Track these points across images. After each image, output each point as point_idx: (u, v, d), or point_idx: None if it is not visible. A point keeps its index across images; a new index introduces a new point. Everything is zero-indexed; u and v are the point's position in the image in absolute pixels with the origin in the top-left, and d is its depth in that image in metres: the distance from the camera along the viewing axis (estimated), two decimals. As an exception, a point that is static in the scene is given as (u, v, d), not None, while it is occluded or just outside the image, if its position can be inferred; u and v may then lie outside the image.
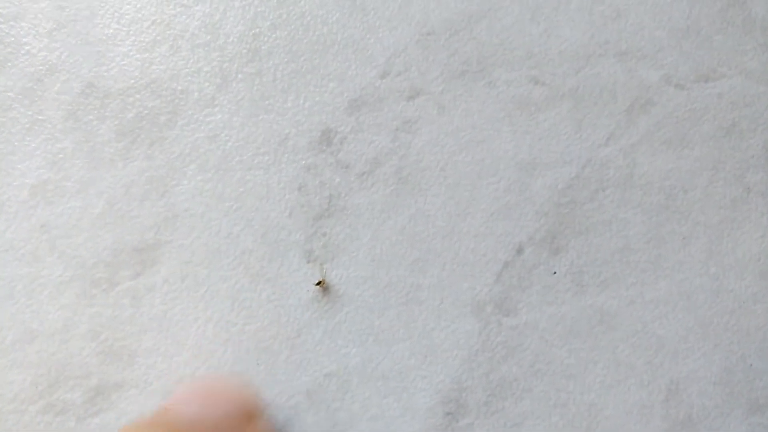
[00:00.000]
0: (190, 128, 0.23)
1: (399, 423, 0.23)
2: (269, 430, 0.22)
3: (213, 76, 0.23)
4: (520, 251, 0.23)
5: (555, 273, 0.23)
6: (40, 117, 0.23)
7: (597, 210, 0.24)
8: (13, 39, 0.23)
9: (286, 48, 0.24)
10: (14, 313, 0.22)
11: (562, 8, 0.24)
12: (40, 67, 0.23)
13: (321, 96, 0.24)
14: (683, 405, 0.23)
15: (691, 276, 0.24)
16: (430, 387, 0.23)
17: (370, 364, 0.23)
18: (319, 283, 0.23)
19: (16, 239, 0.23)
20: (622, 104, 0.24)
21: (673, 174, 0.24)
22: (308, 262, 0.23)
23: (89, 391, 0.22)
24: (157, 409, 0.20)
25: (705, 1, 0.25)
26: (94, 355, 0.22)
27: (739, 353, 0.23)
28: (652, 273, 0.23)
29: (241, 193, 0.23)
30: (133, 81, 0.23)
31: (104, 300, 0.23)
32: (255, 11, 0.24)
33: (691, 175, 0.24)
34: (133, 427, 0.20)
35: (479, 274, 0.23)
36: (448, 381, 0.23)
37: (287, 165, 0.23)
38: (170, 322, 0.23)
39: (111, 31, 0.23)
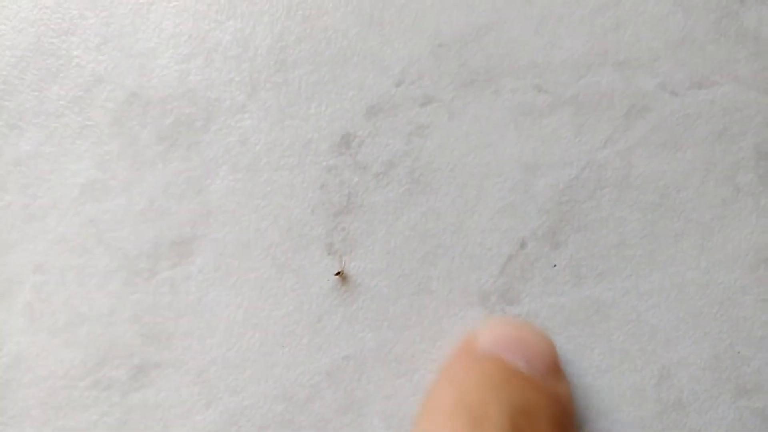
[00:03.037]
0: (223, 133, 0.25)
1: (410, 402, 0.24)
2: (568, 385, 0.20)
3: (243, 85, 0.25)
4: (523, 246, 0.25)
5: (555, 266, 0.25)
6: (88, 123, 0.25)
7: (595, 208, 0.25)
8: (64, 52, 0.25)
9: (310, 59, 0.25)
10: (66, 299, 0.24)
11: (565, 21, 0.26)
12: (89, 78, 0.25)
13: (341, 103, 0.25)
14: (674, 389, 0.24)
15: (683, 269, 0.25)
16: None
17: (385, 348, 0.24)
18: (338, 274, 0.24)
19: (68, 233, 0.25)
20: (620, 110, 0.25)
21: (667, 175, 0.25)
22: (329, 254, 0.25)
23: (132, 369, 0.24)
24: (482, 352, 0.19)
25: (699, 13, 0.26)
26: (137, 336, 0.24)
27: (728, 341, 0.25)
28: (646, 266, 0.25)
29: (269, 192, 0.25)
30: (171, 90, 0.25)
31: (146, 288, 0.24)
32: (282, 26, 0.25)
33: (684, 176, 0.25)
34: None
35: (485, 267, 0.25)
36: (455, 364, 0.24)
37: (310, 166, 0.25)
38: (204, 308, 0.24)
39: (152, 44, 0.25)
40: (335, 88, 0.25)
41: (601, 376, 0.24)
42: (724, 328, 0.25)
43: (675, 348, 0.25)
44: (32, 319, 0.24)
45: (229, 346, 0.24)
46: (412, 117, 0.25)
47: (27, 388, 0.24)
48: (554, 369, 0.20)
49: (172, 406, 0.24)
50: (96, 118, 0.25)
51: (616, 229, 0.25)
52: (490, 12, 0.25)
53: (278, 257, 0.25)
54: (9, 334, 0.24)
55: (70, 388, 0.24)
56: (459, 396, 0.18)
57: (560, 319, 0.25)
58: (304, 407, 0.24)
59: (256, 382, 0.24)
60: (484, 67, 0.25)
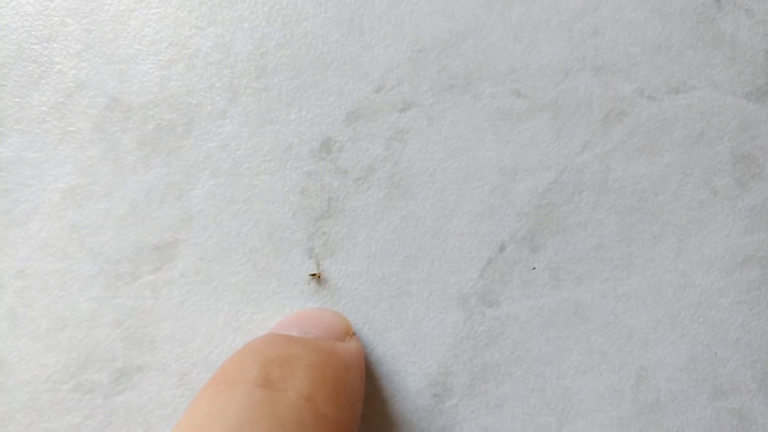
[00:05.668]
0: (204, 138, 0.25)
1: (391, 403, 0.24)
2: (359, 344, 0.23)
3: (224, 91, 0.25)
4: (502, 249, 0.25)
5: (534, 269, 0.25)
6: (70, 129, 0.25)
7: (573, 212, 0.25)
8: (46, 59, 0.25)
9: (290, 65, 0.25)
10: (48, 304, 0.25)
11: (543, 26, 0.26)
12: (70, 84, 0.25)
13: (321, 109, 0.25)
14: (651, 390, 0.25)
15: (661, 272, 0.25)
16: (419, 371, 0.25)
17: (365, 350, 0.24)
18: (314, 275, 0.25)
19: (50, 238, 0.25)
20: (598, 115, 0.26)
21: (644, 178, 0.25)
22: (310, 258, 0.25)
23: (114, 373, 0.24)
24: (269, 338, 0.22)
25: (677, 19, 0.26)
26: (119, 340, 0.24)
27: (705, 343, 0.25)
28: (624, 269, 0.25)
29: (250, 197, 0.25)
30: (152, 96, 0.25)
31: (127, 292, 0.25)
32: (262, 32, 0.26)
33: (661, 179, 0.25)
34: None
35: (465, 270, 0.25)
36: (435, 366, 0.25)
37: (291, 171, 0.25)
38: (186, 312, 0.25)
39: (133, 51, 0.25)
40: (315, 94, 0.25)
41: (579, 377, 0.25)
42: (701, 329, 0.25)
43: (653, 349, 0.25)
44: (14, 323, 0.24)
45: (210, 350, 0.25)
46: (391, 122, 0.25)
47: (10, 391, 0.24)
48: (335, 333, 0.23)
49: (155, 409, 0.24)
50: (77, 124, 0.25)
51: (594, 232, 0.25)
52: (469, 18, 0.26)
53: (259, 261, 0.25)
54: (-9, 338, 0.24)
55: (53, 391, 0.24)
56: (219, 371, 0.20)
57: (539, 321, 0.25)
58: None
59: (237, 386, 0.24)
60: (463, 72, 0.26)
